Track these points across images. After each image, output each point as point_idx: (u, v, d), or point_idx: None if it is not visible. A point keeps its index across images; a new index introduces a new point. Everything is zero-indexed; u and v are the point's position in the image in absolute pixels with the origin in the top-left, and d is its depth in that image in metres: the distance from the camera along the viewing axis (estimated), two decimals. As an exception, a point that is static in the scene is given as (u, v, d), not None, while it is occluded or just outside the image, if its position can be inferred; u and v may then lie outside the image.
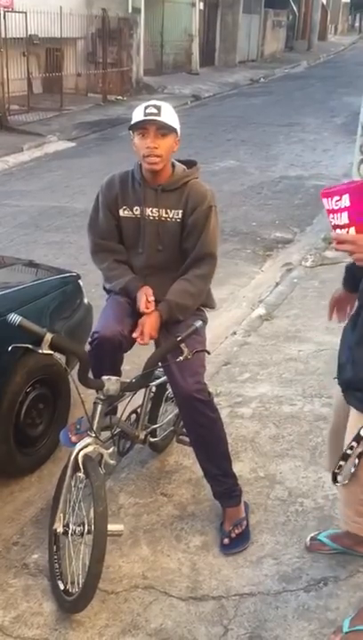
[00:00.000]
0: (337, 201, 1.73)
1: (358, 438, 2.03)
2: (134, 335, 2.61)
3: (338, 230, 1.76)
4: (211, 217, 2.62)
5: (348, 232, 1.74)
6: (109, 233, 2.72)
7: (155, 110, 2.49)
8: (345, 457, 2.07)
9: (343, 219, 1.74)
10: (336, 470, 2.10)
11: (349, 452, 2.05)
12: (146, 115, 2.49)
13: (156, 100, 2.59)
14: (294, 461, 3.16)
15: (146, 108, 2.51)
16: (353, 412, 2.07)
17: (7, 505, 2.96)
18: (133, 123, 2.53)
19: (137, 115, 2.52)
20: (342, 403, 2.14)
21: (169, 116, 2.53)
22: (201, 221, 2.60)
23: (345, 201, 1.71)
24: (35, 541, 2.70)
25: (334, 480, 2.12)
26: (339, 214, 1.74)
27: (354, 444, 2.03)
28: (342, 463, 2.08)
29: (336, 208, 1.74)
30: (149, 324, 2.60)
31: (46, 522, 2.66)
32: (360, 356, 2.02)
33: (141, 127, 2.51)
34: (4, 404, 2.89)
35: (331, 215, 1.76)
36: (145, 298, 2.62)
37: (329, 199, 1.74)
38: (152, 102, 2.54)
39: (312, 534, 2.67)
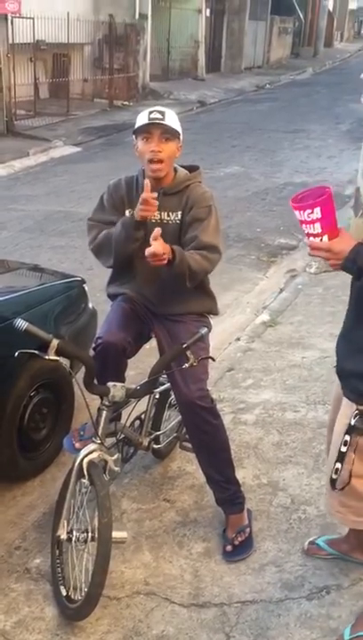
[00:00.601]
0: (309, 213, 1.86)
1: (350, 430, 2.04)
2: (147, 251, 2.38)
3: (312, 238, 1.90)
4: (211, 214, 2.59)
5: (322, 240, 1.88)
6: (111, 224, 2.66)
7: (159, 115, 2.51)
8: (341, 456, 2.07)
9: (316, 229, 1.87)
10: (334, 476, 2.10)
11: (343, 448, 2.05)
12: (150, 119, 2.50)
13: (159, 106, 2.61)
14: (297, 468, 3.15)
15: (150, 112, 2.53)
16: (345, 402, 2.09)
17: (10, 509, 2.96)
18: (137, 126, 2.55)
19: (141, 119, 2.54)
20: (338, 398, 2.17)
21: (173, 120, 2.55)
22: (200, 216, 2.57)
23: (317, 213, 1.85)
24: (37, 546, 2.70)
25: (333, 486, 2.12)
26: (312, 225, 1.87)
27: (347, 437, 2.04)
28: (338, 466, 2.08)
29: (309, 220, 1.87)
30: (159, 243, 2.39)
31: (49, 526, 2.66)
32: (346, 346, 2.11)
33: (146, 131, 2.52)
34: (8, 408, 2.89)
35: (304, 225, 1.89)
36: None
37: (301, 212, 1.87)
38: (156, 108, 2.56)
39: (310, 539, 2.67)
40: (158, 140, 2.52)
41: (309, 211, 1.85)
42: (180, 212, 2.62)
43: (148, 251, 2.38)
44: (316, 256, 1.95)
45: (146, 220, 2.54)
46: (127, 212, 2.67)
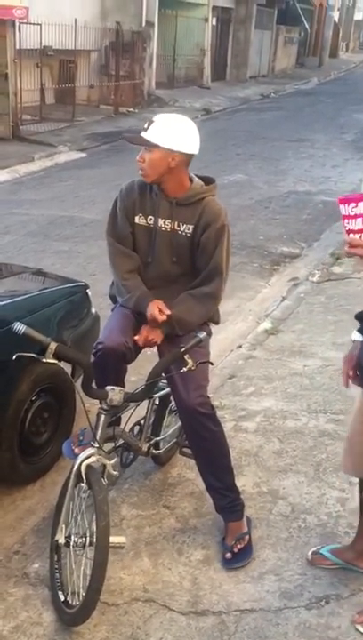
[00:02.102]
0: (353, 207, 1.89)
1: None
2: (136, 338, 2.65)
3: (352, 235, 1.93)
4: (224, 236, 2.62)
5: (361, 237, 1.91)
6: (125, 238, 2.72)
7: (145, 125, 2.54)
8: None
9: (358, 224, 1.90)
10: None
11: None
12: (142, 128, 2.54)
13: (164, 114, 2.62)
14: (297, 477, 3.14)
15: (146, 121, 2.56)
16: None
17: (9, 513, 2.96)
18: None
19: None
20: None
21: (158, 131, 2.50)
22: (213, 240, 2.60)
23: (361, 208, 1.89)
24: (36, 551, 2.70)
25: None
26: (354, 220, 1.90)
27: None
28: None
29: (352, 214, 1.90)
30: (151, 330, 2.64)
31: (48, 531, 2.65)
32: None
33: (128, 140, 2.60)
34: (9, 412, 2.89)
35: (346, 220, 1.92)
36: (158, 309, 2.60)
37: (346, 205, 1.91)
38: (153, 116, 2.57)
39: (314, 549, 2.66)
40: (143, 151, 2.55)
41: (353, 204, 1.89)
42: (192, 226, 2.62)
43: (138, 337, 2.63)
44: (352, 254, 1.96)
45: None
46: (137, 218, 2.68)
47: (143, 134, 2.52)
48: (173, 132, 2.52)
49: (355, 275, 5.91)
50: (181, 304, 2.64)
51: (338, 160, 11.52)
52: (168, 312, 2.60)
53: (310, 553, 2.65)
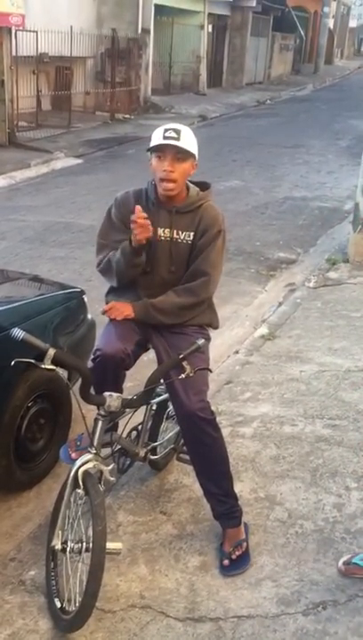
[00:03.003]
0: None
1: None
2: (104, 308, 2.70)
3: None
4: (218, 240, 2.63)
5: None
6: (119, 244, 2.68)
7: (174, 134, 2.50)
8: None
9: None
10: None
11: None
12: (165, 138, 2.50)
13: (176, 124, 2.59)
14: (294, 482, 3.14)
15: (166, 131, 2.51)
16: None
17: (5, 520, 2.95)
18: (151, 145, 2.55)
19: (156, 137, 2.53)
20: None
21: (188, 140, 2.54)
22: (207, 243, 2.62)
23: None
24: (32, 558, 2.68)
25: None
26: None
27: None
28: None
29: None
30: (121, 305, 2.67)
31: (44, 538, 2.64)
32: None
33: (159, 150, 2.53)
34: (5, 418, 2.88)
35: None
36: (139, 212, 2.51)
37: None
38: (172, 126, 2.55)
39: (344, 559, 2.62)
40: (171, 160, 2.52)
41: None
42: (192, 233, 2.63)
43: (106, 307, 2.69)
44: None
45: (144, 244, 2.56)
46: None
47: (176, 143, 2.49)
48: (195, 140, 2.59)
49: (351, 280, 5.93)
50: (162, 296, 2.66)
51: (334, 166, 11.56)
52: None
53: (341, 563, 2.61)
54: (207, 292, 2.69)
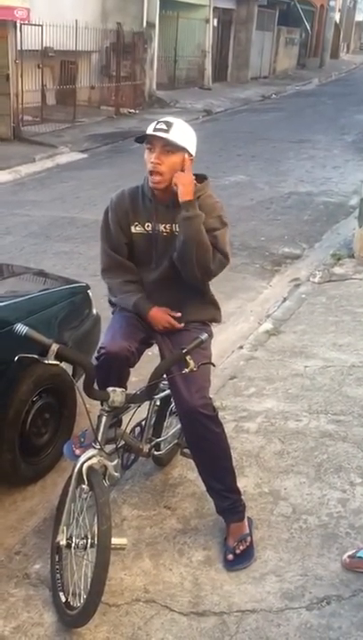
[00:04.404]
0: None
1: None
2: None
3: None
4: (224, 225, 2.61)
5: None
6: (120, 248, 2.72)
7: (164, 127, 2.48)
8: None
9: None
10: None
11: None
12: (155, 130, 2.49)
13: (171, 117, 2.58)
14: (298, 478, 3.14)
15: (157, 123, 2.51)
16: None
17: (10, 514, 2.96)
18: (141, 135, 2.55)
19: (149, 129, 2.53)
20: None
21: (179, 134, 2.50)
22: (213, 226, 2.58)
23: None
24: (37, 551, 2.70)
25: None
26: None
27: None
28: None
29: None
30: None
31: (49, 532, 2.66)
32: None
33: (149, 142, 2.52)
34: (10, 413, 2.89)
35: None
36: (168, 317, 2.67)
37: None
38: (165, 118, 2.54)
39: (348, 553, 2.63)
40: (160, 152, 2.50)
41: None
42: None
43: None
44: None
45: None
46: (133, 228, 2.67)
47: (165, 135, 2.47)
48: (189, 134, 2.56)
49: (356, 275, 5.91)
50: None
51: (339, 161, 11.52)
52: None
53: (345, 557, 2.62)
54: (217, 268, 2.61)
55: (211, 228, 2.57)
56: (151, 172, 2.53)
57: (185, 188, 2.50)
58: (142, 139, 2.53)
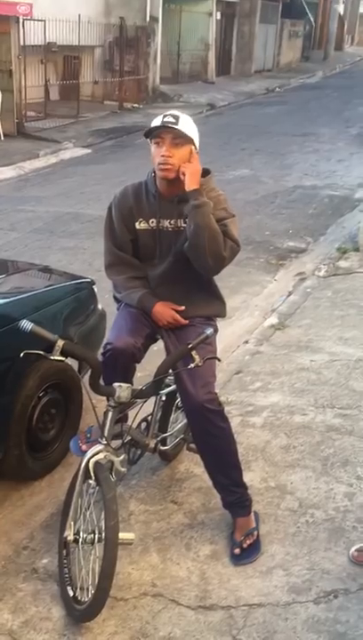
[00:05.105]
0: None
1: None
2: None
3: None
4: (231, 215, 2.61)
5: None
6: (124, 245, 2.72)
7: (172, 119, 2.50)
8: None
9: None
10: None
11: None
12: (163, 123, 2.50)
13: (175, 110, 2.60)
14: (305, 472, 3.14)
15: (164, 116, 2.52)
16: None
17: (17, 509, 2.97)
18: (148, 129, 2.55)
19: (155, 123, 2.53)
20: None
21: (187, 126, 2.53)
22: (221, 216, 2.57)
23: None
24: (44, 546, 2.71)
25: None
26: None
27: None
28: None
29: None
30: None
31: (56, 527, 2.67)
32: None
33: (157, 135, 2.52)
34: (16, 409, 2.90)
35: None
36: (173, 313, 2.68)
37: None
38: (171, 112, 2.55)
39: (356, 547, 2.64)
40: (169, 145, 2.51)
41: None
42: None
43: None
44: None
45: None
46: (137, 224, 2.67)
47: (173, 127, 2.49)
48: (194, 127, 2.58)
49: (362, 269, 5.90)
50: None
51: (344, 154, 11.47)
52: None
53: (353, 550, 2.62)
54: (229, 255, 2.59)
55: (219, 218, 2.57)
56: (161, 165, 2.53)
57: (192, 177, 2.52)
58: (151, 132, 2.53)
